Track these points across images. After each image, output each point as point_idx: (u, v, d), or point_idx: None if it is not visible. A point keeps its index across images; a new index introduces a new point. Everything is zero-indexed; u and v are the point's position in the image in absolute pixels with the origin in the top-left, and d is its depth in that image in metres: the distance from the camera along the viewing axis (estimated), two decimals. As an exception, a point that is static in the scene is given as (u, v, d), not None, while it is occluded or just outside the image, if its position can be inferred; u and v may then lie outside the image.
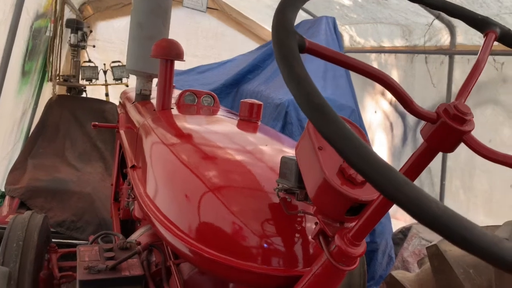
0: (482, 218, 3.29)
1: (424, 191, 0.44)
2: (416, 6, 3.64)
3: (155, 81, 2.53)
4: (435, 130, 0.67)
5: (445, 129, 0.65)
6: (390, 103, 4.63)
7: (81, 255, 1.59)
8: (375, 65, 4.81)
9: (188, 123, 1.77)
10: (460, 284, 1.37)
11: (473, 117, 0.65)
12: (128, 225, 2.54)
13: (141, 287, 1.49)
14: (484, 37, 0.80)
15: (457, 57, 3.68)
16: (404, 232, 3.36)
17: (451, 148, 0.68)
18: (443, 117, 0.65)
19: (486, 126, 3.30)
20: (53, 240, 2.24)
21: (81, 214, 3.38)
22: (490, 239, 0.41)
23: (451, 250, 1.47)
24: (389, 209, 0.82)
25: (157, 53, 1.88)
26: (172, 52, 1.88)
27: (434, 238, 1.58)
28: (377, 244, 3.25)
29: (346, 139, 0.48)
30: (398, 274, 1.67)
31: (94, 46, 5.58)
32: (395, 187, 0.44)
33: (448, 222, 0.42)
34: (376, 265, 3.30)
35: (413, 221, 4.00)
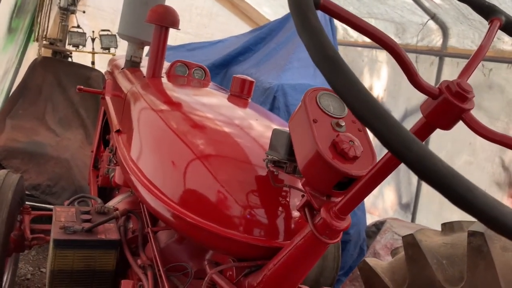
0: (457, 216, 3.36)
1: (431, 151, 0.44)
2: (412, 4, 3.66)
3: (145, 50, 2.49)
4: (436, 105, 0.67)
5: (446, 106, 0.66)
6: (377, 98, 4.67)
7: (57, 215, 1.56)
8: (366, 60, 4.83)
9: (178, 93, 1.75)
10: (432, 274, 1.40)
11: (474, 96, 0.65)
12: (106, 193, 2.51)
13: (116, 251, 1.48)
14: (489, 24, 0.81)
15: (447, 59, 3.72)
16: (378, 225, 3.41)
17: (449, 125, 0.68)
18: (445, 93, 0.65)
19: (467, 129, 3.35)
20: (26, 202, 2.19)
21: (57, 179, 3.32)
22: (491, 203, 0.42)
23: (426, 240, 1.49)
24: (377, 186, 0.83)
25: (153, 19, 1.84)
26: (168, 19, 1.85)
27: (407, 233, 1.63)
28: (350, 236, 3.29)
29: (357, 92, 0.47)
30: (372, 261, 1.69)
31: (84, 12, 5.43)
32: (403, 143, 0.44)
33: (451, 182, 0.42)
34: (348, 256, 3.35)
35: (387, 216, 4.07)
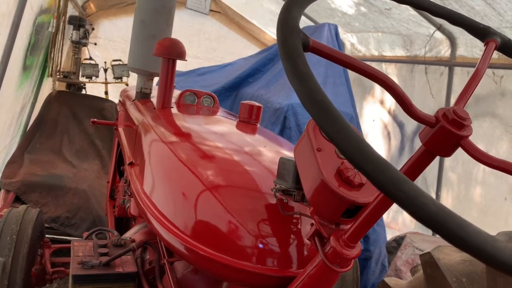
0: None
1: (421, 189, 0.45)
2: (417, 16, 3.67)
3: (155, 80, 2.54)
4: (434, 134, 0.67)
5: (443, 133, 0.66)
6: (389, 112, 4.64)
7: (75, 250, 1.59)
8: (375, 74, 4.83)
9: (187, 122, 1.77)
10: (453, 293, 1.37)
11: (471, 123, 0.65)
12: (123, 223, 2.54)
13: (134, 284, 1.49)
14: (484, 46, 0.81)
15: (456, 69, 3.70)
16: (398, 241, 3.36)
17: (448, 152, 0.68)
18: (442, 121, 0.66)
19: (483, 139, 3.32)
20: (46, 235, 2.23)
21: (76, 211, 3.37)
22: (484, 238, 0.42)
23: (444, 258, 1.47)
24: (385, 212, 0.82)
25: (160, 52, 1.89)
26: (175, 51, 1.89)
27: (428, 247, 1.59)
28: (370, 252, 3.25)
29: (347, 136, 0.48)
30: (391, 280, 1.67)
31: (95, 44, 5.59)
32: (394, 184, 0.45)
33: (443, 220, 0.43)
34: (369, 273, 3.30)
35: (408, 230, 4.01)
